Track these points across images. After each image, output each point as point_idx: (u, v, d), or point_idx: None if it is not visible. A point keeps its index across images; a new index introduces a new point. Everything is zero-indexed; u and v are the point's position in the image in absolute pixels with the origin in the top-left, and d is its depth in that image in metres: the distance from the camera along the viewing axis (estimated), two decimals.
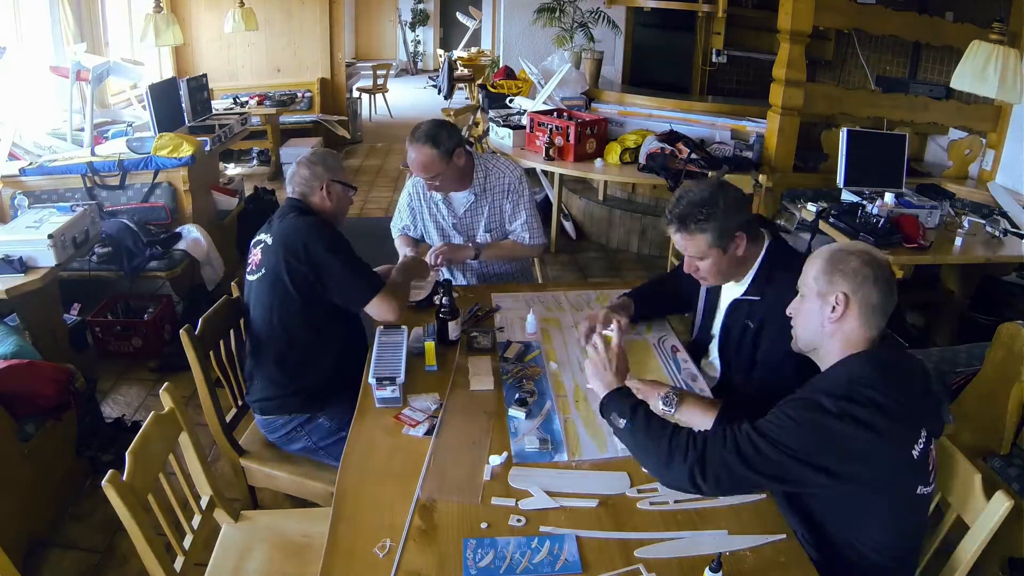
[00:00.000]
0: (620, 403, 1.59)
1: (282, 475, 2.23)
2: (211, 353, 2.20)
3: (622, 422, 1.56)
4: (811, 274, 1.53)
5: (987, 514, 1.50)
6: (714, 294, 2.15)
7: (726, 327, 2.06)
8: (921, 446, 1.42)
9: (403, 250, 2.81)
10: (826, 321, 1.49)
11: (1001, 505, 1.47)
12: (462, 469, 1.70)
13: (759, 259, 1.96)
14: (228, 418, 2.28)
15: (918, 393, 1.47)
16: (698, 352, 2.27)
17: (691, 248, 1.90)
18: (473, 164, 2.68)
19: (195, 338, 2.09)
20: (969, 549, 1.53)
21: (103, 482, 1.45)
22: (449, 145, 2.51)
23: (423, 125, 2.55)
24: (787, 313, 1.61)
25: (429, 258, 2.64)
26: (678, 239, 1.92)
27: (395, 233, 2.95)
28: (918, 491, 1.47)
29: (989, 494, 1.51)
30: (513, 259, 2.83)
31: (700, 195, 1.86)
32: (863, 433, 1.35)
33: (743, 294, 1.99)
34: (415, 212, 2.86)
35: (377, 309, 2.15)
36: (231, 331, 2.33)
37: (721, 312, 2.10)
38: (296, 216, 2.20)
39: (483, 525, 1.53)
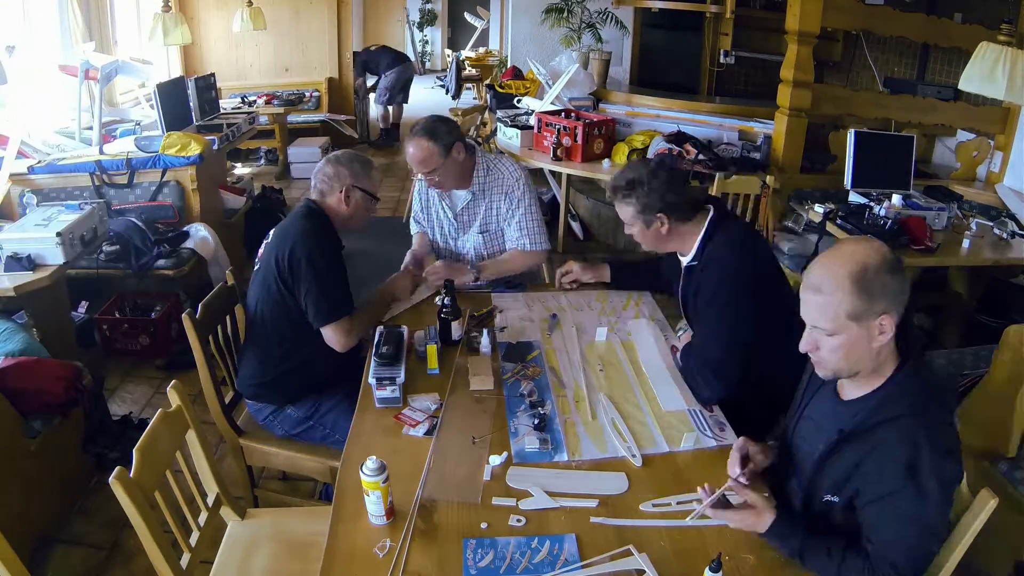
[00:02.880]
0: (781, 547, 1.47)
1: (278, 452, 2.32)
2: (210, 338, 2.29)
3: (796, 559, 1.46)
4: (839, 303, 1.35)
5: (971, 513, 1.49)
6: (676, 270, 2.29)
7: (683, 291, 2.22)
8: None
9: (409, 255, 2.77)
10: (875, 344, 1.38)
11: (986, 504, 1.46)
12: (462, 469, 1.70)
13: (703, 231, 2.11)
14: (227, 399, 2.36)
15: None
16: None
17: (623, 216, 2.13)
18: (474, 162, 2.65)
19: (196, 322, 2.19)
20: (954, 549, 1.51)
21: (110, 479, 1.46)
22: (448, 140, 2.49)
23: (422, 120, 2.54)
24: (808, 348, 1.45)
25: (429, 278, 2.61)
26: (615, 206, 2.15)
27: (413, 229, 2.95)
28: None
29: (974, 492, 1.50)
30: (515, 272, 2.74)
31: (630, 174, 2.09)
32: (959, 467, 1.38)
33: (689, 261, 2.16)
34: (423, 202, 2.86)
35: (329, 335, 2.16)
36: (227, 317, 2.42)
37: (680, 281, 2.24)
38: (301, 218, 2.21)
39: (483, 525, 1.53)
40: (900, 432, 1.36)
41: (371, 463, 1.48)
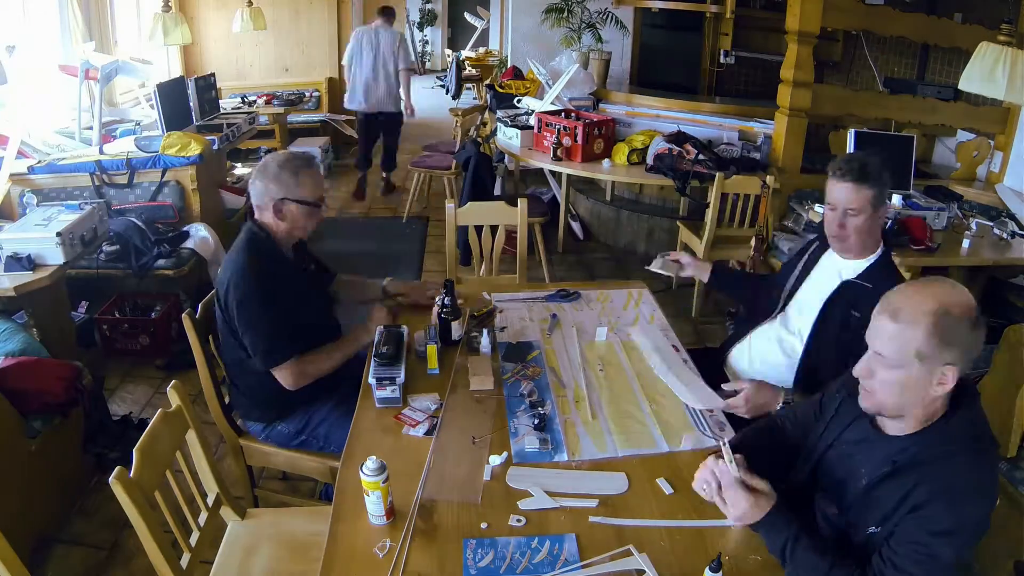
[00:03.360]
0: (769, 542, 1.44)
1: (278, 452, 2.31)
2: (210, 338, 2.29)
3: (777, 557, 1.43)
4: (914, 342, 1.29)
5: None
6: (806, 272, 2.18)
7: (828, 306, 2.05)
8: None
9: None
10: (932, 392, 1.32)
11: None
12: (462, 469, 1.70)
13: (879, 251, 2.01)
14: (227, 400, 2.36)
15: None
16: (748, 327, 2.31)
17: (855, 201, 1.95)
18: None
19: (196, 322, 2.19)
20: None
21: (110, 479, 1.46)
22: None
23: None
24: (863, 374, 1.39)
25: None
26: (843, 191, 1.96)
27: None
28: None
29: None
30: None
31: (876, 157, 1.96)
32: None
33: (857, 276, 2.01)
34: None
35: (278, 375, 2.09)
36: None
37: (823, 292, 2.09)
38: (241, 250, 2.09)
39: (483, 525, 1.53)
40: (952, 467, 1.32)
41: (371, 463, 1.49)
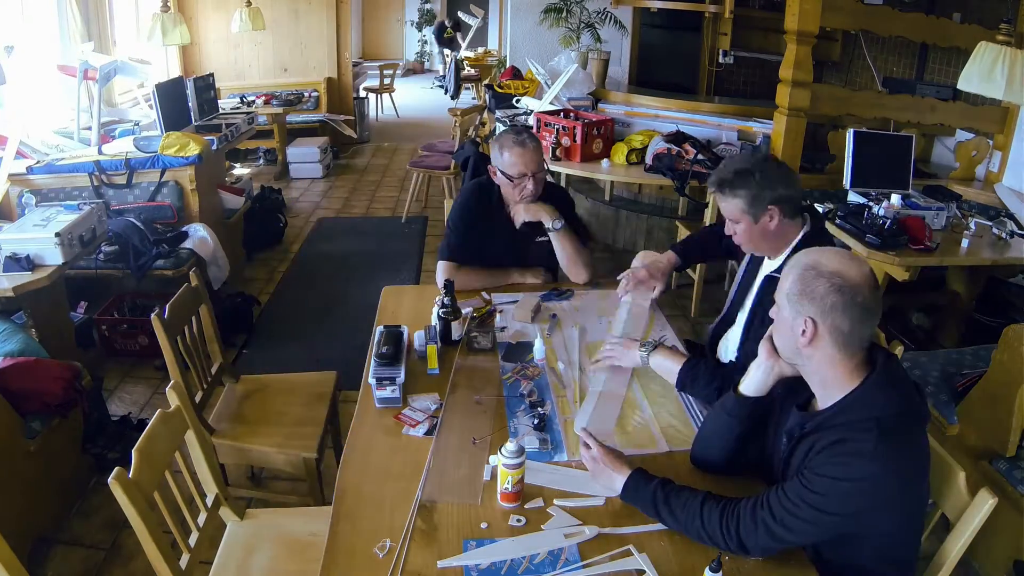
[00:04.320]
0: (641, 502, 1.54)
1: (250, 448, 2.34)
2: (178, 338, 2.32)
3: (654, 516, 1.52)
4: (785, 285, 1.44)
5: (971, 512, 1.49)
6: (752, 270, 2.20)
7: (758, 301, 2.09)
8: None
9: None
10: (799, 342, 1.42)
11: (985, 503, 1.46)
12: (462, 469, 1.70)
13: (796, 239, 2.01)
14: (197, 399, 2.36)
15: (918, 401, 1.44)
16: (722, 329, 2.31)
17: (725, 211, 2.02)
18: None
19: (165, 322, 2.22)
20: (952, 548, 1.52)
21: (109, 479, 1.46)
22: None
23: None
24: (770, 315, 1.55)
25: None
26: (719, 201, 2.03)
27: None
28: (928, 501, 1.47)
29: (973, 491, 1.51)
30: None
31: (741, 164, 1.99)
32: (893, 479, 1.34)
33: (774, 270, 2.03)
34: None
35: (438, 268, 2.57)
36: (192, 318, 2.43)
37: (755, 288, 2.14)
38: (472, 184, 2.62)
39: (483, 525, 1.53)
40: (851, 432, 1.35)
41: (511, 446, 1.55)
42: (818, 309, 1.38)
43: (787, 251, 2.02)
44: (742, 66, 6.91)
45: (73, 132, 4.49)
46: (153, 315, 2.19)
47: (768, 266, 2.11)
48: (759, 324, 2.03)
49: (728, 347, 2.27)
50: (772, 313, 1.52)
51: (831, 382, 1.43)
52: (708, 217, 3.94)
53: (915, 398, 1.41)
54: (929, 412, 1.49)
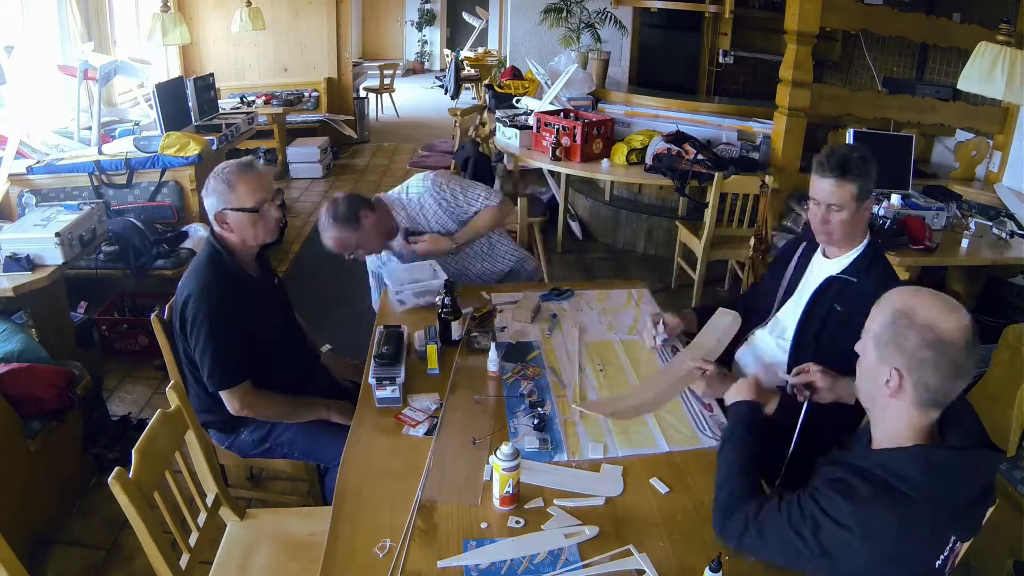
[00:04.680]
0: (731, 422, 1.62)
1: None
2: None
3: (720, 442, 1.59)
4: (874, 327, 1.31)
5: None
6: (799, 274, 2.17)
7: (813, 304, 2.04)
8: (945, 554, 1.27)
9: None
10: (879, 390, 1.30)
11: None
12: (462, 469, 1.70)
13: (863, 244, 2.01)
14: None
15: (966, 501, 1.26)
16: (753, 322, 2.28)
17: (837, 196, 1.94)
18: (388, 212, 2.69)
19: (165, 322, 2.20)
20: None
21: (109, 479, 1.46)
22: (348, 216, 2.49)
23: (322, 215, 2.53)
24: (855, 349, 1.39)
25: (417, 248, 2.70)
26: (826, 186, 1.95)
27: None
28: None
29: None
30: (487, 228, 2.83)
31: (859, 151, 1.97)
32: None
33: (841, 272, 2.00)
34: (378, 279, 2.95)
35: (224, 398, 2.04)
36: None
37: (809, 290, 2.09)
38: (204, 266, 2.03)
39: (483, 525, 1.53)
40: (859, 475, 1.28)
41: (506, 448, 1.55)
42: (907, 362, 1.25)
43: (856, 252, 2.01)
44: (742, 66, 6.90)
45: (73, 132, 4.49)
46: (153, 315, 2.19)
47: (828, 267, 2.06)
48: (814, 330, 2.02)
49: (757, 344, 2.23)
50: (857, 348, 1.37)
51: (894, 436, 1.31)
52: (707, 217, 3.93)
53: (960, 501, 1.24)
54: (977, 525, 1.33)
